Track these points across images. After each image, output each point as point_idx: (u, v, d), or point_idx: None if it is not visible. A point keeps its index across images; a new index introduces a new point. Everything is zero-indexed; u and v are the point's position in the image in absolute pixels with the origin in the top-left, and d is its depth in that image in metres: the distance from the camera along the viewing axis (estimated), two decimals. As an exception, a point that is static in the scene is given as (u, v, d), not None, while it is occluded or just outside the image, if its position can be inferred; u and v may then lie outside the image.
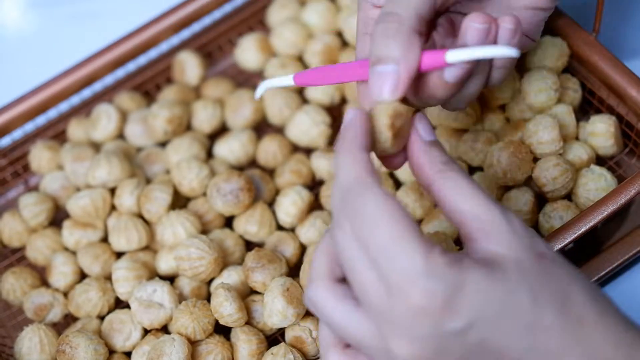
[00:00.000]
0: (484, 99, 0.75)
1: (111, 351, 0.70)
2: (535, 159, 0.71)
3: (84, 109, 0.85)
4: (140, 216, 0.75)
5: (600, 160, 0.73)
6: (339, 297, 0.51)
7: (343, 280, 0.52)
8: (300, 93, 0.83)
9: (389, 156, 0.55)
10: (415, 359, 0.48)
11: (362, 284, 0.48)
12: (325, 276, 0.52)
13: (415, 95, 0.56)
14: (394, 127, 0.52)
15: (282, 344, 0.67)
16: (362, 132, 0.51)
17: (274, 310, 0.66)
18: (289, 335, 0.68)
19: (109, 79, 0.84)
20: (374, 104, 0.53)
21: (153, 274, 0.74)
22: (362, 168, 0.49)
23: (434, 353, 0.47)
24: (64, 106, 0.83)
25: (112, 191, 0.76)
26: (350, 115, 0.52)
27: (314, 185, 0.78)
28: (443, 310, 0.46)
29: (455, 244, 0.67)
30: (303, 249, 0.74)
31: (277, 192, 0.77)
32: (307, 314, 0.68)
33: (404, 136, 0.53)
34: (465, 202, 0.50)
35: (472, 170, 0.74)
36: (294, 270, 0.73)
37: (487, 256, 0.49)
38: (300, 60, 0.84)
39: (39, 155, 0.81)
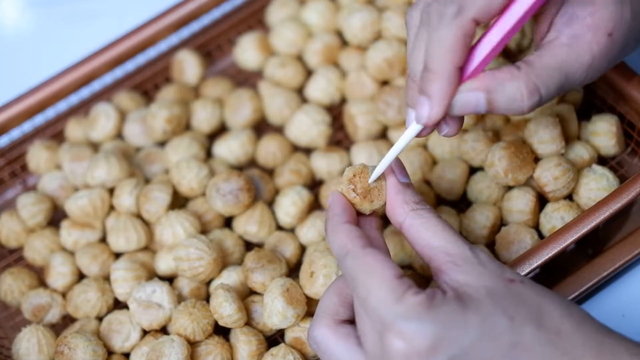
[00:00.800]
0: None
1: (110, 352, 0.69)
2: (537, 159, 0.70)
3: (83, 108, 0.84)
4: (139, 216, 0.75)
5: (601, 160, 0.73)
6: (340, 336, 0.55)
7: (347, 322, 0.56)
8: (300, 93, 0.82)
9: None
10: None
11: (362, 332, 0.53)
12: (330, 315, 0.56)
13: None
14: (357, 188, 0.59)
15: (282, 344, 0.66)
16: (340, 208, 0.58)
17: (274, 310, 0.66)
18: (289, 336, 0.68)
19: (107, 79, 0.84)
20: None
21: (152, 275, 0.73)
22: (344, 236, 0.56)
23: None
24: (62, 106, 0.83)
25: (111, 191, 0.76)
26: (330, 197, 0.59)
27: (314, 185, 0.78)
28: (422, 350, 0.49)
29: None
30: (303, 249, 0.74)
31: (276, 192, 0.77)
32: (307, 314, 0.68)
33: (379, 193, 0.59)
34: (434, 238, 0.55)
35: (473, 170, 0.74)
36: (293, 270, 0.72)
37: (457, 286, 0.52)
38: (300, 59, 0.84)
39: (37, 155, 0.80)
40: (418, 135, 0.58)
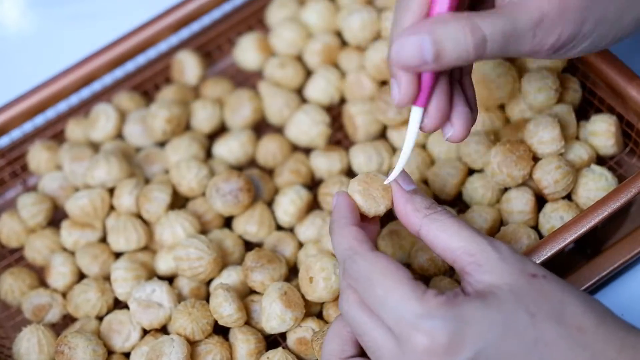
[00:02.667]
0: (482, 100, 0.75)
1: (110, 352, 0.69)
2: (538, 159, 0.70)
3: (83, 109, 0.84)
4: (139, 216, 0.75)
5: (600, 159, 0.73)
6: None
7: (354, 357, 0.57)
8: (299, 93, 0.82)
9: None
10: None
11: (374, 343, 0.53)
12: (337, 355, 0.56)
13: None
14: (363, 190, 0.59)
15: (280, 348, 0.66)
16: (347, 210, 0.58)
17: (272, 314, 0.66)
18: (292, 338, 0.68)
19: (107, 79, 0.84)
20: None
21: (152, 275, 0.73)
22: (352, 238, 0.55)
23: None
24: (62, 106, 0.83)
25: (111, 191, 0.76)
26: (334, 198, 0.59)
27: (314, 185, 0.78)
28: (448, 347, 0.49)
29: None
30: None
31: (276, 192, 0.77)
32: (306, 316, 0.68)
33: (384, 197, 0.59)
34: (453, 240, 0.54)
35: (472, 173, 0.74)
36: (293, 270, 0.72)
37: (481, 287, 0.52)
38: (300, 59, 0.84)
39: (38, 156, 0.80)
40: (424, 130, 0.57)
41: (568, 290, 0.53)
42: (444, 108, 0.56)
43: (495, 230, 0.70)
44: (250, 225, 0.74)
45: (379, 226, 0.62)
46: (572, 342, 0.50)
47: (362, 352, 0.57)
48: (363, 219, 0.60)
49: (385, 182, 0.59)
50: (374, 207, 0.59)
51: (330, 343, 0.57)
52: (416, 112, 0.56)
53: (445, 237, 0.55)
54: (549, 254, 0.64)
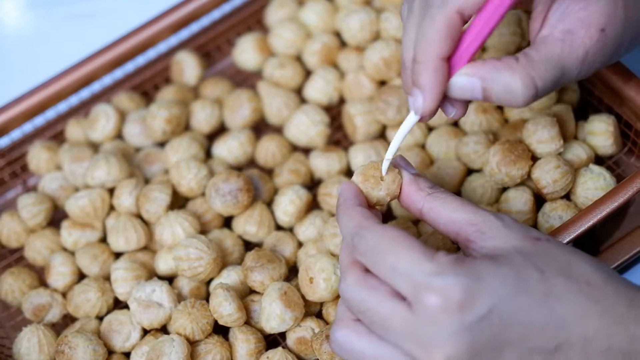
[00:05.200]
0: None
1: (110, 352, 0.70)
2: (536, 159, 0.70)
3: (83, 109, 0.84)
4: (139, 216, 0.75)
5: (599, 159, 0.73)
6: (361, 332, 0.54)
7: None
8: (299, 93, 0.83)
9: None
10: None
11: (380, 317, 0.52)
12: (348, 317, 0.55)
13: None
14: (368, 178, 0.59)
15: (279, 348, 0.66)
16: (352, 194, 0.58)
17: (272, 314, 0.66)
18: (291, 338, 0.68)
19: (107, 79, 0.84)
20: None
21: (152, 275, 0.73)
22: (359, 216, 0.56)
23: (467, 348, 0.50)
24: (62, 107, 0.83)
25: (111, 191, 0.76)
26: (341, 186, 0.60)
27: (313, 185, 0.78)
28: (462, 303, 0.49)
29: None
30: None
31: (276, 192, 0.77)
32: (306, 316, 0.68)
33: (389, 186, 0.60)
34: (456, 213, 0.55)
35: (472, 173, 0.74)
36: (292, 270, 0.72)
37: (487, 252, 0.53)
38: (299, 60, 0.84)
39: (38, 156, 0.81)
40: (422, 121, 0.59)
41: (574, 251, 0.54)
42: (441, 93, 0.57)
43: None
44: (249, 225, 0.74)
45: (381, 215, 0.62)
46: (583, 297, 0.51)
47: None
48: (369, 207, 0.60)
49: (383, 173, 0.59)
50: (379, 195, 0.59)
51: (340, 308, 0.57)
52: (414, 116, 0.58)
53: (447, 212, 0.56)
54: (547, 254, 0.64)
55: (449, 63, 0.56)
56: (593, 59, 0.57)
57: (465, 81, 0.56)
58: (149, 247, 0.75)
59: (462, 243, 0.55)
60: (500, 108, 0.76)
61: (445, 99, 0.58)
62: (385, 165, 0.59)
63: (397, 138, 0.59)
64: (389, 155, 0.59)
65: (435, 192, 0.57)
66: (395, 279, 0.52)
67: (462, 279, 0.50)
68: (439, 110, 0.74)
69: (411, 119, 0.58)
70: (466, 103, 0.59)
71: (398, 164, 0.60)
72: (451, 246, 0.67)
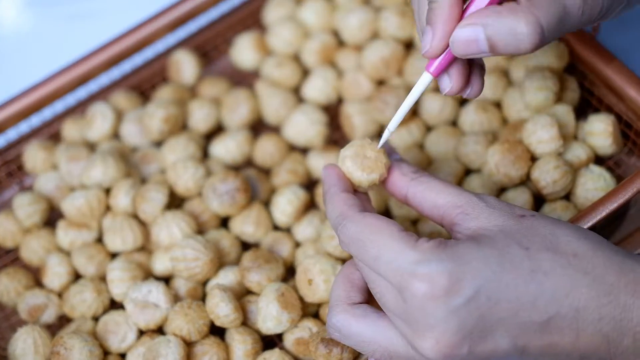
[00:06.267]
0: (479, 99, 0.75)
1: (106, 352, 0.69)
2: (536, 159, 0.70)
3: (79, 108, 0.84)
4: (136, 216, 0.75)
5: (599, 159, 0.73)
6: (359, 316, 0.56)
7: (361, 304, 0.57)
8: (297, 93, 0.82)
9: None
10: (442, 350, 0.50)
11: (381, 295, 0.54)
12: (344, 301, 0.57)
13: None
14: (352, 158, 0.59)
15: (276, 349, 0.66)
16: (335, 179, 0.59)
17: (269, 315, 0.66)
18: (289, 339, 0.67)
19: (104, 79, 0.84)
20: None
21: (148, 275, 0.73)
22: (342, 204, 0.57)
23: (456, 332, 0.50)
24: (59, 106, 0.83)
25: (107, 191, 0.76)
26: (324, 170, 0.61)
27: (311, 185, 0.77)
28: (448, 288, 0.50)
29: None
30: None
31: (273, 192, 0.77)
32: (303, 316, 0.68)
33: (375, 165, 0.59)
34: (440, 197, 0.56)
35: (470, 173, 0.74)
36: (290, 270, 0.72)
37: (471, 232, 0.53)
38: (297, 59, 0.84)
39: (34, 156, 0.80)
40: (450, 94, 0.58)
41: (558, 223, 0.53)
42: (466, 72, 0.57)
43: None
44: (247, 225, 0.73)
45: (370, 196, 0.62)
46: (571, 269, 0.51)
47: (368, 300, 0.58)
48: (355, 191, 0.60)
49: (379, 145, 0.59)
50: (365, 175, 0.59)
51: (337, 289, 0.58)
52: (426, 78, 0.57)
53: (432, 195, 0.56)
54: (547, 255, 0.63)
55: (463, 9, 0.55)
56: (594, 1, 0.55)
57: (468, 32, 0.54)
58: (145, 247, 0.75)
59: (447, 226, 0.56)
60: (498, 107, 0.76)
61: (444, 69, 0.56)
62: (385, 135, 0.59)
63: (407, 102, 0.58)
64: (392, 126, 0.59)
65: (419, 177, 0.58)
66: (381, 269, 0.52)
67: (446, 264, 0.50)
68: (439, 109, 0.75)
69: (425, 78, 0.57)
70: (481, 77, 0.58)
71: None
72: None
